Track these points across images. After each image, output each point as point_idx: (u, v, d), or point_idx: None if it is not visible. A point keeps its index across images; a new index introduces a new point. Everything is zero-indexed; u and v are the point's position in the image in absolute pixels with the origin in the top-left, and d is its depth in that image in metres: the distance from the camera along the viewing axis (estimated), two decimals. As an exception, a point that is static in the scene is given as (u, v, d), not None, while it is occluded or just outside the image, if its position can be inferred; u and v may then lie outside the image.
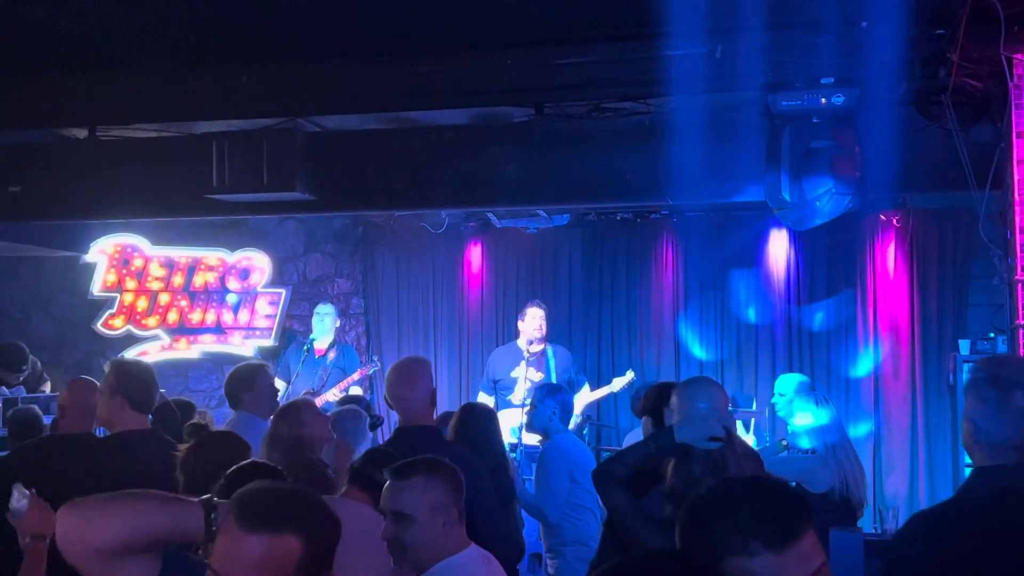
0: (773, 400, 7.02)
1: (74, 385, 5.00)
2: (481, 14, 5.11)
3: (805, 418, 5.51)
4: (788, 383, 6.95)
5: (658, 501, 3.29)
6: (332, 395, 8.01)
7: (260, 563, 1.92)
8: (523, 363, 7.99)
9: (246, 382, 5.23)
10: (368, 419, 5.10)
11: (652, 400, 4.28)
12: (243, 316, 9.41)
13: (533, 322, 8.10)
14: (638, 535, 3.26)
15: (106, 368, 4.59)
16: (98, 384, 5.03)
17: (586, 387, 8.33)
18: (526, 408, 7.51)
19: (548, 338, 8.26)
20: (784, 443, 6.20)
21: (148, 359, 9.32)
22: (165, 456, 3.70)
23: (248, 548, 1.93)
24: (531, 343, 8.03)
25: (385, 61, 5.54)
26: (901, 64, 4.79)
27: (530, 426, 5.97)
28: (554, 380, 7.96)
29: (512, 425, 7.62)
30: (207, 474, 3.21)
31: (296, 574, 1.94)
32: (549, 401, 5.79)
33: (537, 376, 7.95)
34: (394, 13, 5.16)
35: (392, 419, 8.87)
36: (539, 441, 7.29)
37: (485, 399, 8.08)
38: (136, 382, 4.48)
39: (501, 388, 8.09)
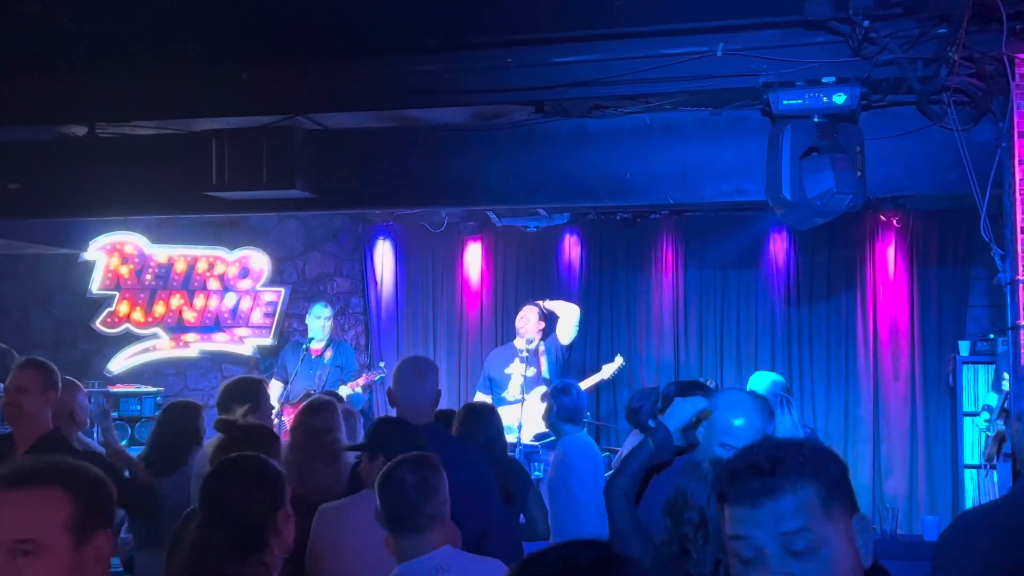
0: None
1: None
2: (481, 12, 5.11)
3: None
4: (761, 381, 6.97)
5: (658, 496, 3.28)
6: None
7: (26, 520, 1.96)
8: (516, 360, 8.02)
9: (256, 390, 5.10)
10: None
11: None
12: (242, 315, 9.40)
13: (527, 322, 8.15)
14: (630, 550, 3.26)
15: (19, 365, 4.49)
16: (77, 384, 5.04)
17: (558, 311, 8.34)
18: (522, 404, 7.57)
19: (545, 335, 8.31)
20: None
21: (147, 358, 9.34)
22: None
23: (11, 507, 1.96)
24: (529, 341, 8.04)
25: (385, 59, 5.52)
26: (903, 63, 4.78)
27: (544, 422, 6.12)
28: (546, 374, 8.00)
29: (508, 422, 7.62)
30: None
31: (69, 530, 1.98)
32: (552, 401, 5.84)
33: (530, 372, 7.97)
34: (394, 11, 5.16)
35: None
36: (534, 438, 7.32)
37: (482, 399, 8.09)
38: (58, 379, 4.47)
39: (496, 386, 8.11)
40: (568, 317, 8.29)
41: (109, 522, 2.07)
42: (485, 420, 5.26)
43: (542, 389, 7.86)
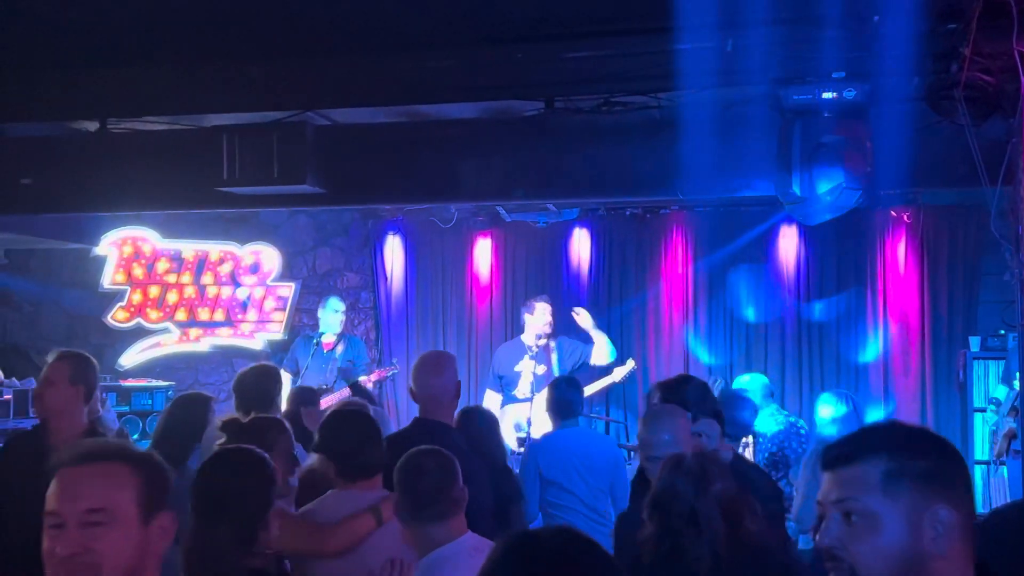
0: None
1: None
2: (491, 8, 5.11)
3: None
4: (749, 384, 7.01)
5: None
6: (346, 393, 8.02)
7: (97, 491, 2.06)
8: (526, 357, 7.94)
9: (278, 384, 5.17)
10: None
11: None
12: (252, 309, 9.43)
13: (543, 317, 8.05)
14: None
15: (52, 358, 4.46)
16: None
17: (600, 344, 8.20)
18: (532, 401, 7.52)
19: (555, 332, 8.22)
20: None
21: (158, 352, 9.37)
22: None
23: (84, 480, 2.07)
24: (539, 337, 7.99)
25: (395, 55, 5.53)
26: (913, 59, 4.77)
27: None
28: (556, 373, 7.90)
29: (518, 419, 7.60)
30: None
31: (137, 504, 2.10)
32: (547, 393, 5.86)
33: (540, 369, 7.91)
34: (404, 7, 5.17)
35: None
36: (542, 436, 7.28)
37: (493, 396, 8.06)
38: (94, 373, 4.44)
39: (506, 383, 8.06)
40: (601, 344, 8.22)
41: (168, 504, 2.18)
42: (483, 425, 5.23)
43: None
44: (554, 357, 8.08)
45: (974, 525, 1.82)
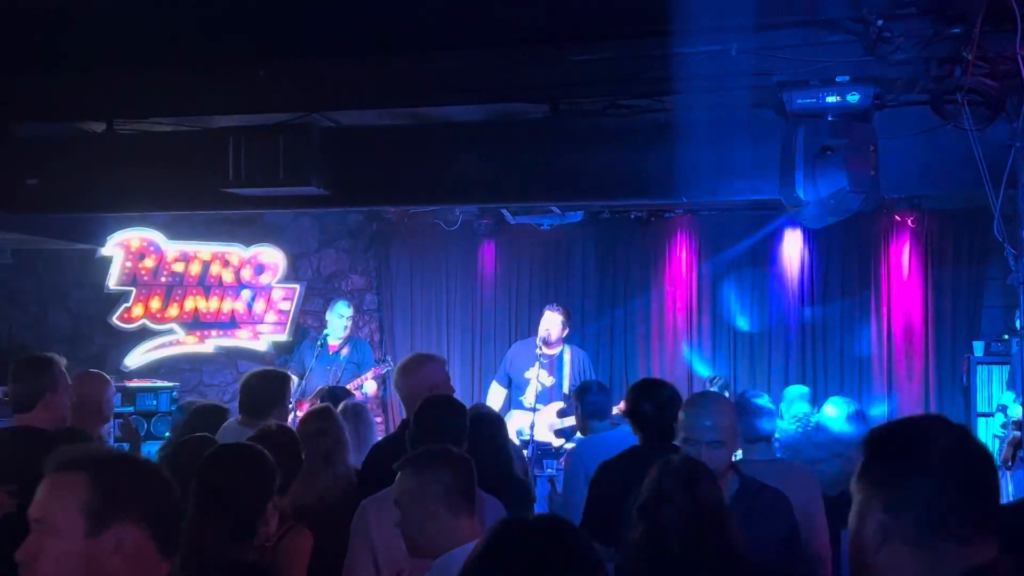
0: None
1: (85, 379, 4.97)
2: (497, 10, 5.12)
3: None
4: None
5: None
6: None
7: (43, 502, 2.08)
8: (537, 364, 7.89)
9: (284, 389, 5.17)
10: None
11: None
12: (257, 311, 9.44)
13: (549, 326, 7.97)
14: None
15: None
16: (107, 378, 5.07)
17: None
18: (536, 412, 7.45)
19: (567, 339, 8.12)
20: None
21: (163, 353, 9.39)
22: None
23: (43, 487, 2.10)
24: (547, 344, 7.92)
25: (400, 57, 5.54)
26: (917, 63, 4.78)
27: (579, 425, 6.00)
28: (565, 385, 7.83)
29: (520, 426, 7.55)
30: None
31: (84, 514, 2.03)
32: (576, 403, 5.82)
33: (549, 380, 7.86)
34: (409, 9, 5.18)
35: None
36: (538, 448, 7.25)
37: (498, 389, 8.04)
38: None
39: (515, 387, 8.03)
40: None
41: (139, 517, 2.08)
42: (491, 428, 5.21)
43: (559, 405, 7.67)
44: (567, 370, 7.93)
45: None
